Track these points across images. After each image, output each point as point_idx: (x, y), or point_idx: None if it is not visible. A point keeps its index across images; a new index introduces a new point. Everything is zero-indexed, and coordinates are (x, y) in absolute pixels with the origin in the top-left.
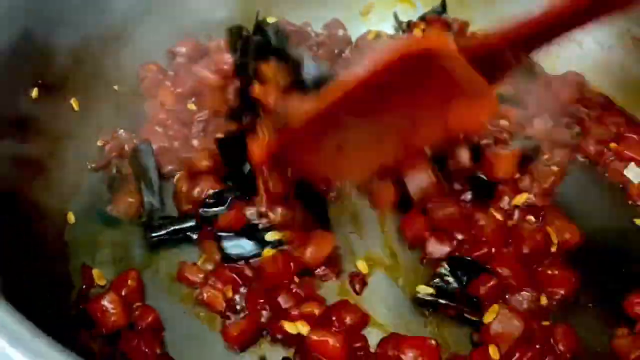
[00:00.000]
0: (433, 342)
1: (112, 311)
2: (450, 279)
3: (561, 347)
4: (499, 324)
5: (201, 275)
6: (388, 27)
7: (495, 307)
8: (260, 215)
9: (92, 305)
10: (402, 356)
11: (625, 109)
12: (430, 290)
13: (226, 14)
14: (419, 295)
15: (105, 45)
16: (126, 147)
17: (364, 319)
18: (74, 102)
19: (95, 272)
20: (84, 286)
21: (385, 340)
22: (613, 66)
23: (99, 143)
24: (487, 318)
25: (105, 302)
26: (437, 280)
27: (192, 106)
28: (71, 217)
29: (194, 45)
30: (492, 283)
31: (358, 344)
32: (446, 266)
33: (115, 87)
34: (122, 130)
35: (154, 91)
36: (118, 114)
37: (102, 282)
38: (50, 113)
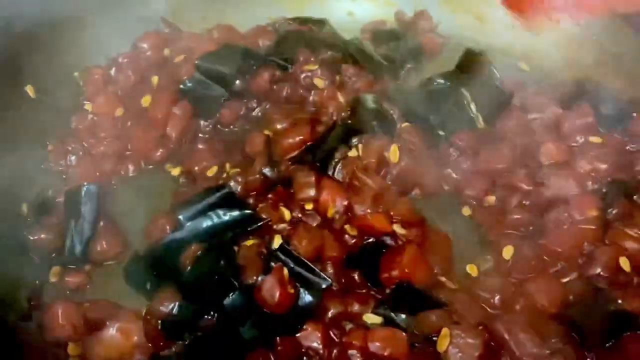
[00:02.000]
0: (402, 333)
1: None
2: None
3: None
4: (455, 350)
5: None
6: None
7: (445, 331)
8: None
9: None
10: (370, 347)
11: (601, 84)
12: (379, 319)
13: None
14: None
15: (63, 31)
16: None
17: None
18: (29, 89)
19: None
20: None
21: (353, 330)
22: (589, 42)
23: (49, 148)
24: (441, 345)
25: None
26: (381, 309)
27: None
28: (24, 208)
29: (158, 41)
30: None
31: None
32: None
33: (76, 74)
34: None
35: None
36: (77, 103)
37: (55, 279)
38: (3, 100)
